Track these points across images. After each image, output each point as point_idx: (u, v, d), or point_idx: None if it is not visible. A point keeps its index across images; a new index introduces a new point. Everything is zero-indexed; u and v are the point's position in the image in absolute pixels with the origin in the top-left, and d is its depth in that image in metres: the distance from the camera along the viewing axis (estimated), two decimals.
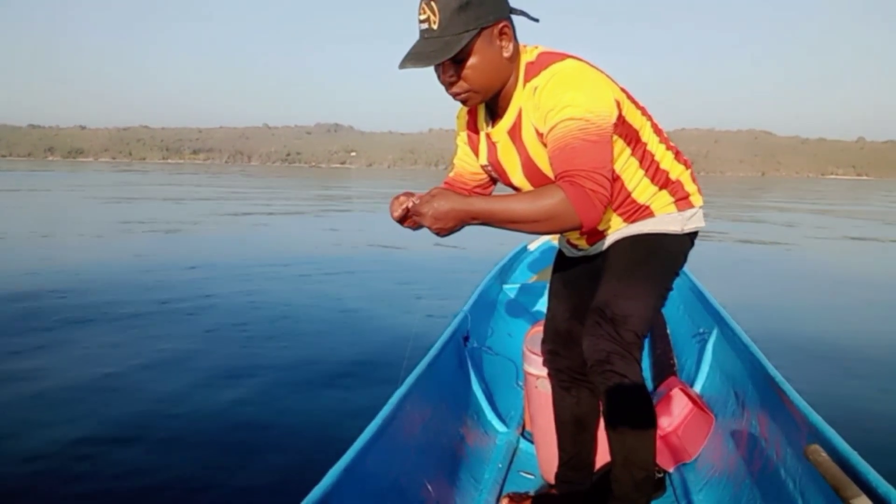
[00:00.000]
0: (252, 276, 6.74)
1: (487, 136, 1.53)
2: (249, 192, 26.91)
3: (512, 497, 1.87)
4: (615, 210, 1.54)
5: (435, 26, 1.27)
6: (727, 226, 14.17)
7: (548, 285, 1.84)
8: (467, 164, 1.64)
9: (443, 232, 1.28)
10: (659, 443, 1.59)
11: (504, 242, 4.16)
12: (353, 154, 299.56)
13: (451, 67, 1.32)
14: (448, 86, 1.36)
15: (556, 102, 1.30)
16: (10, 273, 6.73)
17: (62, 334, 4.46)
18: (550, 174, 1.43)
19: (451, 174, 1.68)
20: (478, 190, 1.65)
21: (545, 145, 1.38)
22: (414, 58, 1.29)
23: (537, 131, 1.38)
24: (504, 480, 2.02)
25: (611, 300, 1.49)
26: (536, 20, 1.39)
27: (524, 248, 4.21)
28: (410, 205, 1.30)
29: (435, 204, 1.26)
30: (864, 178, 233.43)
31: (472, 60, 1.31)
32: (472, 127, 1.59)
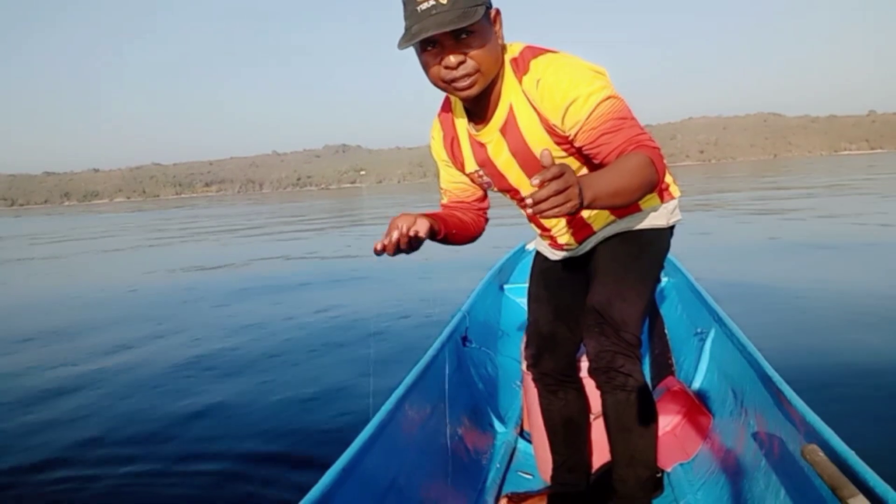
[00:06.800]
0: None
1: (474, 138, 1.49)
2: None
3: (510, 497, 1.87)
4: None
5: (444, 0, 1.21)
6: None
7: (527, 290, 1.82)
8: (457, 182, 1.61)
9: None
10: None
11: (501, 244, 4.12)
12: (363, 173, 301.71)
13: (457, 47, 1.25)
14: (455, 66, 1.27)
15: (577, 92, 1.29)
16: None
17: None
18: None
19: (445, 200, 1.63)
20: (476, 204, 1.63)
21: (556, 135, 1.37)
22: (434, 24, 1.19)
23: (548, 123, 1.36)
24: (503, 481, 2.02)
25: (609, 302, 1.49)
26: None
27: (522, 249, 4.20)
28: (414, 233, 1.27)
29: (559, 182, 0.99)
30: (879, 151, 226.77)
31: (480, 38, 1.27)
32: (451, 136, 1.56)
